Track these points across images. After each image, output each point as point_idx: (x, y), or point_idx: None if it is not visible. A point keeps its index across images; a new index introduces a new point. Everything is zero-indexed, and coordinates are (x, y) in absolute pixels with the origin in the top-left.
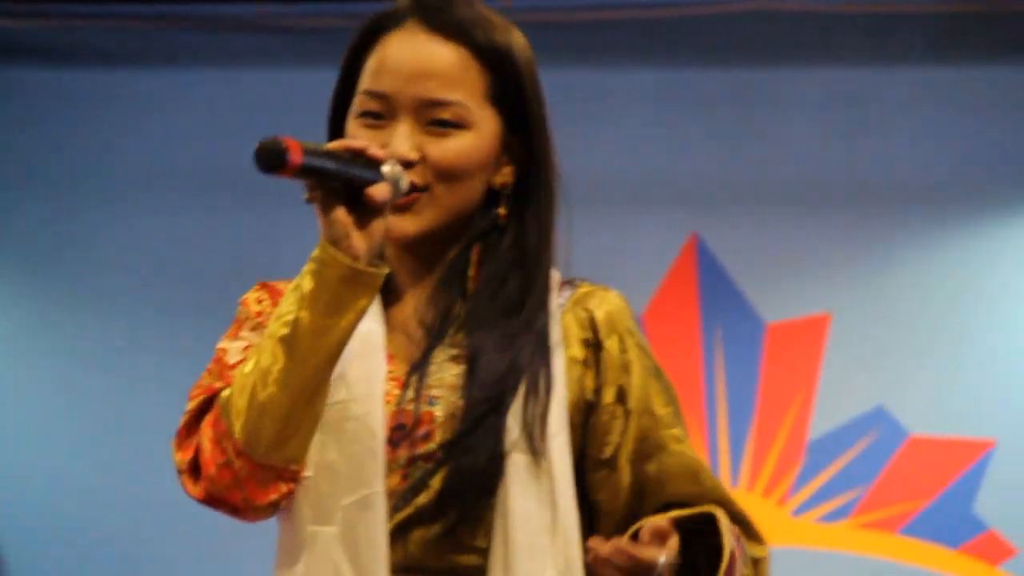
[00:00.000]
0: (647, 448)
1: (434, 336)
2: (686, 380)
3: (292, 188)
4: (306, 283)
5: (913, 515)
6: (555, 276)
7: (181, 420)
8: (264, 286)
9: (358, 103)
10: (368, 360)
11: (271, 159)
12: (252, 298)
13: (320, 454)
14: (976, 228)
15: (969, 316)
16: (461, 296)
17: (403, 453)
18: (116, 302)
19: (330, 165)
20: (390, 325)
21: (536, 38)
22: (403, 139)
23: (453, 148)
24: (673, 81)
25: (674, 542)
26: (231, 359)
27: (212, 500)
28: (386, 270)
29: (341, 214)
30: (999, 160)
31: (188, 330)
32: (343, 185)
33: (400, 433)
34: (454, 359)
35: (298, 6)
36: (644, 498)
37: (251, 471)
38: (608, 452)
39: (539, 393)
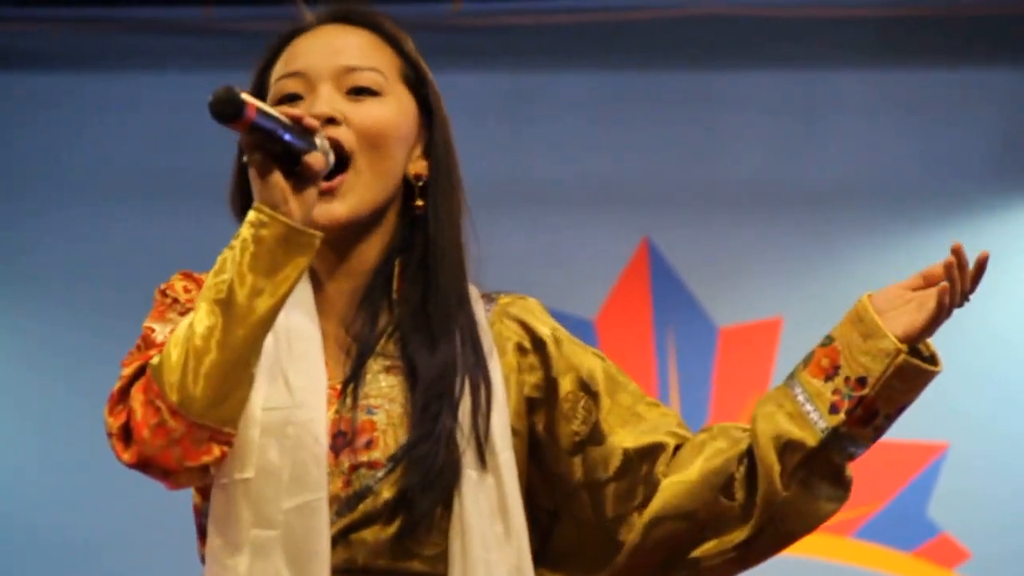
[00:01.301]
0: (619, 419)
1: (366, 346)
2: (639, 383)
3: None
4: (241, 246)
5: (867, 519)
6: (473, 290)
7: (115, 385)
8: (188, 275)
9: (274, 90)
10: (309, 365)
11: (228, 108)
12: (179, 285)
13: (261, 457)
14: (925, 229)
15: None
16: (387, 306)
17: (345, 460)
18: (60, 304)
19: (275, 127)
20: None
21: (488, 42)
22: (324, 101)
23: (374, 112)
24: (624, 85)
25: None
26: (159, 338)
27: (144, 463)
28: (321, 235)
29: (278, 178)
30: (945, 161)
31: (126, 332)
32: (280, 151)
33: (342, 440)
34: (387, 369)
35: (244, 9)
36: (643, 456)
37: (186, 430)
38: (585, 431)
39: (480, 401)
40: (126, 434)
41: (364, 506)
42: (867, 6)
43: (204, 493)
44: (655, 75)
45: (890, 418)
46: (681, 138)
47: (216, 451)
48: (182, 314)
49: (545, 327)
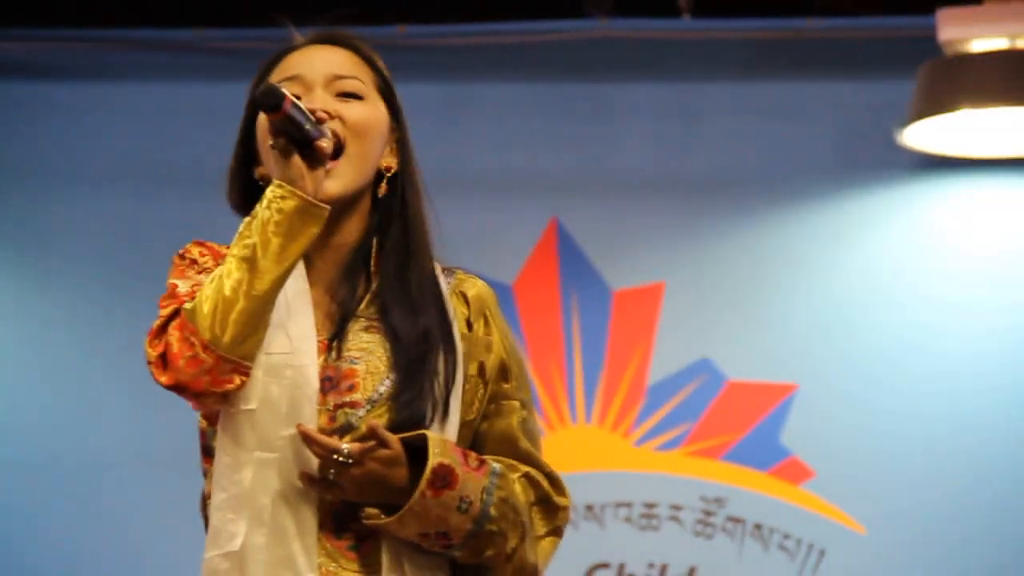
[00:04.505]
0: (488, 412)
1: (348, 309)
2: (549, 338)
3: (217, 184)
4: (264, 214)
5: (731, 445)
6: (436, 266)
7: (154, 323)
8: (201, 243)
9: None
10: (303, 320)
11: (271, 100)
12: (195, 251)
13: (264, 392)
14: (780, 211)
15: (775, 283)
16: (366, 278)
17: (331, 400)
18: (61, 280)
19: (302, 117)
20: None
21: (428, 59)
22: (320, 99)
23: (361, 110)
24: (539, 95)
25: (385, 443)
26: (182, 290)
27: (178, 386)
28: (329, 209)
29: (298, 159)
30: (795, 157)
31: (121, 309)
32: (299, 137)
33: (328, 384)
34: (367, 328)
35: (231, 31)
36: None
37: (215, 362)
38: (470, 416)
39: (449, 364)
40: (163, 362)
41: (346, 439)
42: (734, 30)
43: (211, 419)
44: (563, 86)
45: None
46: (584, 138)
47: (237, 380)
48: (199, 272)
49: (480, 314)
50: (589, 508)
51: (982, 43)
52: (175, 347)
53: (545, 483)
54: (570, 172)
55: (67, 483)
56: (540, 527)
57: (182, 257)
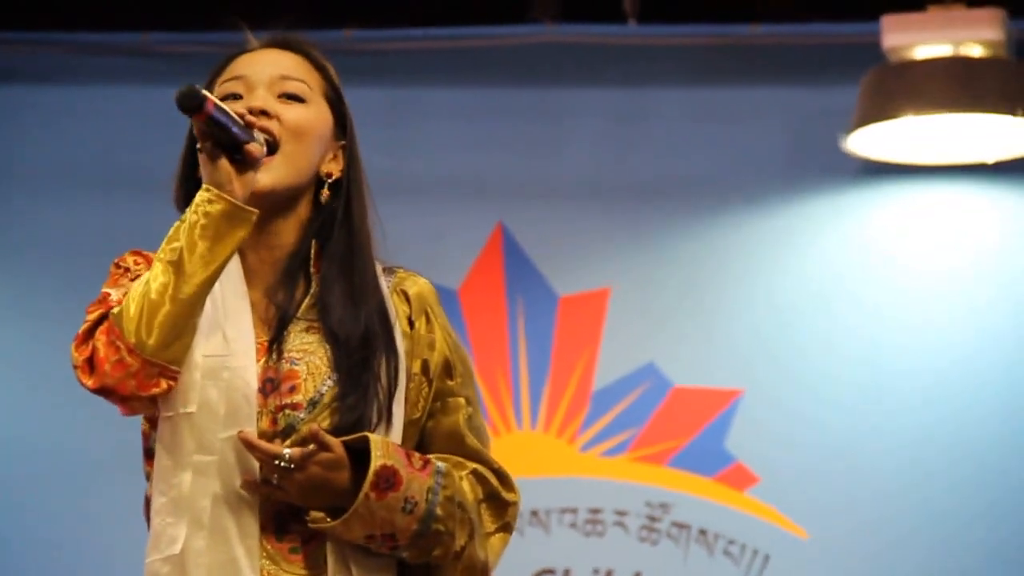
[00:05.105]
0: (433, 409)
1: (287, 312)
2: (494, 343)
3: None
4: (191, 218)
5: (677, 451)
6: (377, 265)
7: (81, 328)
8: (138, 252)
9: (219, 91)
10: (240, 322)
11: (192, 101)
12: (130, 259)
13: (202, 395)
14: (725, 217)
15: (720, 288)
16: (304, 279)
17: (272, 401)
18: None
19: (227, 120)
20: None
21: (374, 63)
22: (260, 98)
23: (301, 112)
24: (484, 99)
25: (325, 446)
26: (113, 298)
27: (104, 390)
28: (257, 212)
29: (225, 163)
30: (745, 161)
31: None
32: (227, 141)
33: (270, 386)
34: (307, 329)
35: (178, 35)
36: (421, 450)
37: (140, 366)
38: (416, 415)
39: (390, 366)
40: (89, 366)
41: (289, 441)
42: (680, 36)
43: (152, 422)
44: (509, 91)
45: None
46: (531, 142)
47: (163, 384)
48: (132, 280)
49: (422, 312)
50: (534, 514)
51: (926, 49)
52: (101, 351)
53: (493, 479)
54: (516, 177)
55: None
56: (489, 523)
57: (117, 266)
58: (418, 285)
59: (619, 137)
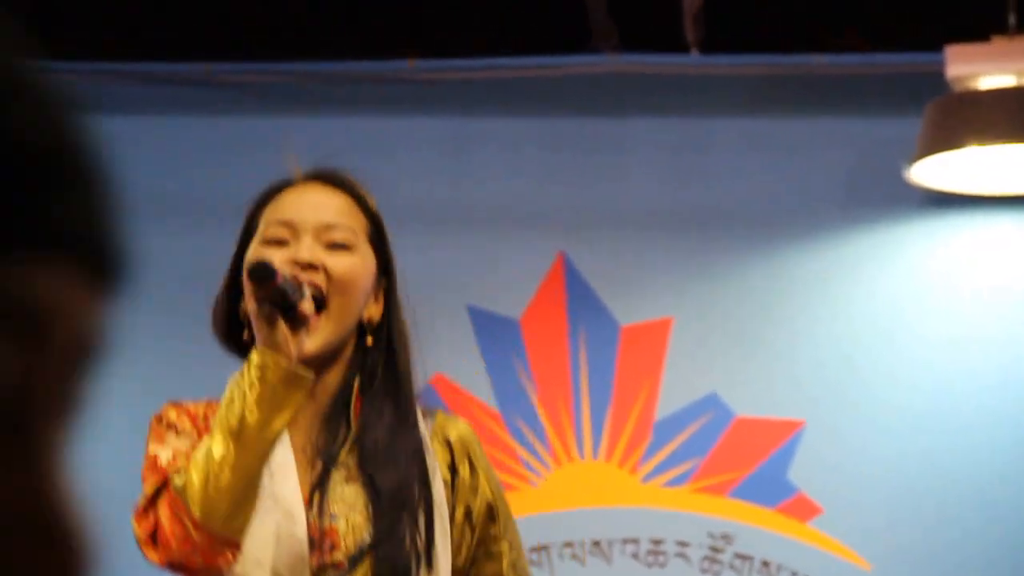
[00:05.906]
0: (477, 555)
1: (329, 459)
2: (556, 373)
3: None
4: (249, 384)
5: (739, 481)
6: (417, 409)
7: (139, 501)
8: (176, 405)
9: (267, 231)
10: (287, 480)
11: (265, 274)
12: (172, 413)
13: (260, 554)
14: (787, 247)
15: (782, 318)
16: (346, 424)
17: (313, 560)
18: None
19: (288, 287)
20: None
21: (434, 93)
22: (308, 249)
23: (348, 262)
24: (548, 129)
25: None
26: (163, 460)
27: (172, 565)
28: (312, 374)
29: (283, 326)
30: (804, 192)
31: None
32: (283, 301)
33: (312, 544)
34: (347, 479)
35: (242, 65)
36: None
37: (207, 541)
38: (460, 562)
39: (429, 513)
40: (154, 540)
41: None
42: (742, 66)
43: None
44: (570, 121)
45: None
46: (592, 172)
47: (230, 556)
48: (177, 435)
49: (464, 457)
50: (596, 544)
51: (990, 80)
52: (167, 526)
53: None
54: (577, 207)
55: None
56: None
57: (159, 420)
58: (458, 430)
59: (680, 167)
